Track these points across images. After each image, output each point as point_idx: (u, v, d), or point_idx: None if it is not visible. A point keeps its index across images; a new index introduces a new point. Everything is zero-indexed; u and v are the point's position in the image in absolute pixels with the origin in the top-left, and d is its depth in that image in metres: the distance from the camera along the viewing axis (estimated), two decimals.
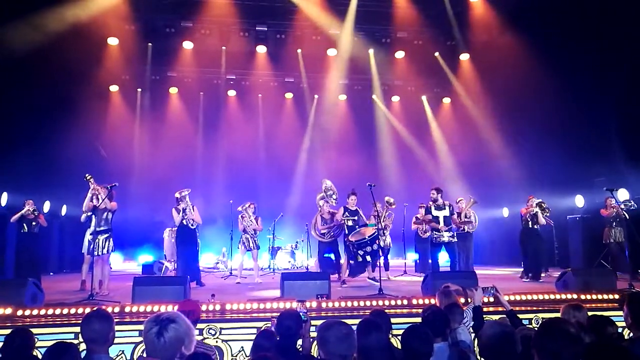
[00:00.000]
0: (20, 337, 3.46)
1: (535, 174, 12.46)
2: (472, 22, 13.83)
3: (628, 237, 9.53)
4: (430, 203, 9.27)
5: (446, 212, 9.07)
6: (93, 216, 7.79)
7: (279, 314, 3.90)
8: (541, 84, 11.70)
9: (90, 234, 7.86)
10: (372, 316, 3.82)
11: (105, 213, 7.98)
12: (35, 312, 5.31)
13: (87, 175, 7.93)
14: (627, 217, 9.08)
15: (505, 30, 12.75)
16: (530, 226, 10.01)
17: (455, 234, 9.14)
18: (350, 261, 8.94)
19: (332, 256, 9.96)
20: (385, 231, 9.94)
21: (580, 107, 11.60)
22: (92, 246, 7.74)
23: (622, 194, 10.40)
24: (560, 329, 2.35)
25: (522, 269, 10.30)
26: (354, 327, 2.92)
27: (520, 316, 4.71)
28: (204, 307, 5.57)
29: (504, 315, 4.47)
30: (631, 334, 3.26)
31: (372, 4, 13.75)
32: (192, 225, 9.25)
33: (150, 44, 14.56)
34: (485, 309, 5.10)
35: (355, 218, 9.24)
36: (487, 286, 4.55)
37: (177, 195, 9.27)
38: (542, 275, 9.89)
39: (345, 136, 16.84)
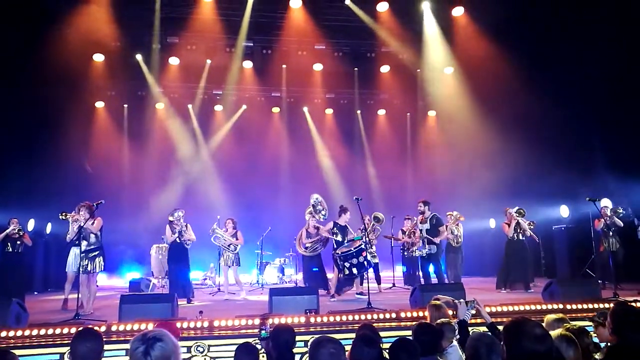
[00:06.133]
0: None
1: (521, 185, 12.58)
2: (455, 36, 14.09)
3: (623, 245, 9.72)
4: (420, 217, 9.34)
5: (427, 226, 9.14)
6: (82, 239, 7.64)
7: (266, 327, 3.91)
8: (524, 96, 11.90)
9: (81, 253, 7.65)
10: (366, 331, 3.81)
11: (93, 233, 7.82)
12: (19, 332, 5.22)
13: (61, 214, 7.79)
14: (622, 225, 9.37)
15: (488, 44, 12.98)
16: (516, 238, 10.05)
17: (434, 247, 9.16)
18: (340, 275, 8.95)
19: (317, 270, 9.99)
20: (369, 245, 9.94)
21: (563, 117, 11.80)
22: (80, 264, 7.58)
23: (606, 204, 10.54)
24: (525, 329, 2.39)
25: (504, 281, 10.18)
26: (346, 342, 2.95)
27: None
28: (192, 325, 5.53)
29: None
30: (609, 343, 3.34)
31: (357, 19, 13.95)
32: (187, 244, 9.30)
33: (139, 55, 14.54)
34: (472, 321, 5.13)
35: (344, 234, 9.27)
36: (468, 300, 4.58)
37: (170, 218, 9.30)
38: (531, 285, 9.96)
39: (332, 150, 16.95)
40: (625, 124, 10.75)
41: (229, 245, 9.81)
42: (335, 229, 9.27)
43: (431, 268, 9.35)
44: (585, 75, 11.14)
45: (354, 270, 8.29)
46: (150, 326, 5.17)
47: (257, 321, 5.47)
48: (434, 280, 9.23)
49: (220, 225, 10.12)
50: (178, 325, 5.46)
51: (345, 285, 9.18)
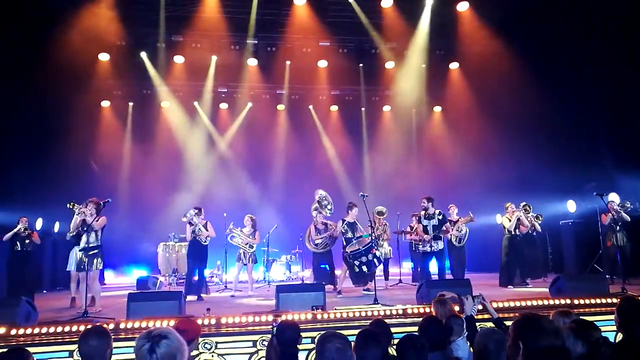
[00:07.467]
0: (15, 358, 3.36)
1: (527, 180, 12.52)
2: (460, 31, 14.01)
3: (630, 239, 9.67)
4: (422, 212, 9.31)
5: (434, 222, 9.09)
6: (84, 233, 7.65)
7: (277, 324, 3.92)
8: (531, 91, 11.83)
9: (80, 251, 7.65)
10: (371, 327, 3.81)
11: (94, 231, 7.74)
12: (29, 331, 5.26)
13: (69, 203, 7.76)
14: (629, 220, 9.36)
15: (494, 40, 12.92)
16: (514, 233, 10.06)
17: (441, 243, 9.14)
18: (350, 270, 8.96)
19: (327, 267, 10.00)
20: (379, 240, 9.93)
21: (570, 112, 11.73)
22: (81, 263, 7.57)
23: (613, 198, 10.48)
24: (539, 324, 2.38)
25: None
26: (353, 337, 2.95)
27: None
28: (199, 322, 5.55)
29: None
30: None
31: (361, 15, 13.89)
32: (204, 242, 9.52)
33: (144, 54, 14.55)
34: (480, 317, 5.13)
35: (353, 231, 9.27)
36: (474, 295, 4.58)
37: (183, 219, 9.63)
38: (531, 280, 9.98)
39: (338, 146, 16.93)
40: (632, 118, 10.67)
41: (246, 244, 9.95)
42: (345, 226, 9.28)
43: (435, 264, 9.30)
44: (592, 70, 11.06)
45: (364, 268, 8.33)
46: (159, 323, 5.21)
47: (264, 318, 5.49)
48: (434, 277, 9.19)
49: (236, 225, 10.29)
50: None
51: (361, 280, 9.14)
